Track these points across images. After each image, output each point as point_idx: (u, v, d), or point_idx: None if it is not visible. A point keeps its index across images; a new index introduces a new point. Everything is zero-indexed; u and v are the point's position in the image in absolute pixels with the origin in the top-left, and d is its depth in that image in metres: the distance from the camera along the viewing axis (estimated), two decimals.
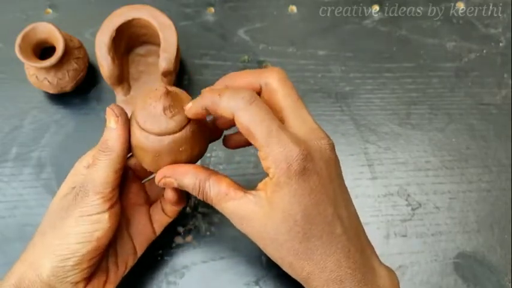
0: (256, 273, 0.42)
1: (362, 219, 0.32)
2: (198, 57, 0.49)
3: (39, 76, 0.43)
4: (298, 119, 0.31)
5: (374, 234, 0.43)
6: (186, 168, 0.31)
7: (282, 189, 0.28)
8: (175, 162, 0.32)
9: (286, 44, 0.50)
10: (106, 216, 0.32)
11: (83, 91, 0.47)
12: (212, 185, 0.30)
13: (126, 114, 0.32)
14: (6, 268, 0.33)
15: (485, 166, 0.46)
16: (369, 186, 0.45)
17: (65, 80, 0.44)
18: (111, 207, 0.32)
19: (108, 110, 0.32)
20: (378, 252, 0.32)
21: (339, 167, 0.31)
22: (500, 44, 0.50)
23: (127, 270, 0.36)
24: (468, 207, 0.45)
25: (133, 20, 0.43)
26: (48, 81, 0.44)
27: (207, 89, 0.31)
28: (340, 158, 0.31)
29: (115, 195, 0.32)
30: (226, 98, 0.29)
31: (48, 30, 0.43)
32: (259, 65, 0.49)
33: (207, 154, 0.46)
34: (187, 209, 0.44)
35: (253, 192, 0.30)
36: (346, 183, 0.32)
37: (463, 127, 0.48)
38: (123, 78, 0.45)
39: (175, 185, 0.32)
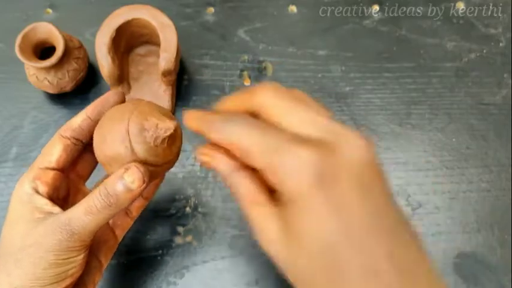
0: (256, 273, 0.42)
1: None
2: (198, 57, 0.49)
3: (39, 76, 0.43)
4: (306, 123, 0.25)
5: None
6: (221, 155, 0.27)
7: (295, 208, 0.23)
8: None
9: (286, 44, 0.50)
10: (82, 256, 0.30)
11: (83, 91, 0.47)
12: (241, 181, 0.26)
13: (149, 178, 0.28)
14: None
15: (485, 166, 0.46)
16: None
17: (65, 80, 0.44)
18: (87, 248, 0.30)
19: (135, 169, 0.27)
20: None
21: (380, 172, 0.24)
22: (500, 44, 0.50)
23: (96, 287, 0.35)
24: (468, 207, 0.45)
25: (133, 20, 0.43)
26: (48, 81, 0.44)
27: (199, 113, 0.28)
28: None
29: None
30: (218, 126, 0.26)
31: (48, 30, 0.43)
32: (259, 64, 0.49)
33: None
34: (187, 209, 0.44)
35: (278, 204, 0.25)
36: None
37: (463, 127, 0.48)
38: (123, 78, 0.45)
39: (214, 167, 0.28)
